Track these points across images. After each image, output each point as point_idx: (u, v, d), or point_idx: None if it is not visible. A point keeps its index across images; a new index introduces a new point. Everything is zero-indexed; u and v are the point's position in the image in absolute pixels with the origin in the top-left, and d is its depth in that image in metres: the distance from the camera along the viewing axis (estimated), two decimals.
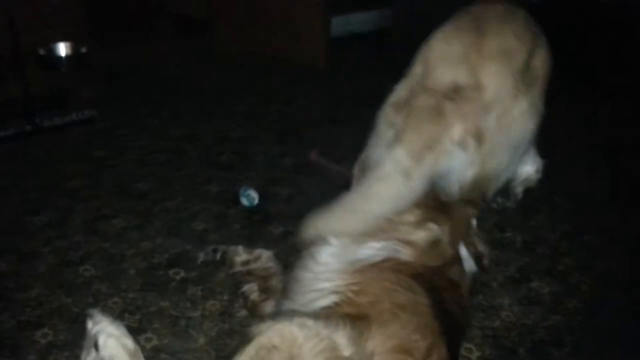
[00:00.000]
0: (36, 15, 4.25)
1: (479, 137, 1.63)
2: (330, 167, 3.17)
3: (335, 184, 2.61)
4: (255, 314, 2.07)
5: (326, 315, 1.40)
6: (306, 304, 1.57)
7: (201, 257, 2.39)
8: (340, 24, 5.37)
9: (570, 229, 2.75)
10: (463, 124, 1.62)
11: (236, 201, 2.85)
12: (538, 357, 2.00)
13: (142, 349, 1.84)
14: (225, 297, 2.23)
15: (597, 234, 2.69)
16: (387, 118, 1.79)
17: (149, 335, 2.03)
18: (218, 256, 2.34)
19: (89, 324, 1.60)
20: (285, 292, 1.80)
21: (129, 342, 1.54)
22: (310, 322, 1.29)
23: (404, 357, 1.32)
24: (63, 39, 4.12)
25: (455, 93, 1.64)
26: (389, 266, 1.60)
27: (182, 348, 1.99)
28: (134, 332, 2.01)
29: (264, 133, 3.72)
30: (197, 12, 5.87)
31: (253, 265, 2.21)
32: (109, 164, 3.33)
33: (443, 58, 1.71)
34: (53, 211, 2.80)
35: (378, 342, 1.31)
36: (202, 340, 2.02)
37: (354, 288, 1.51)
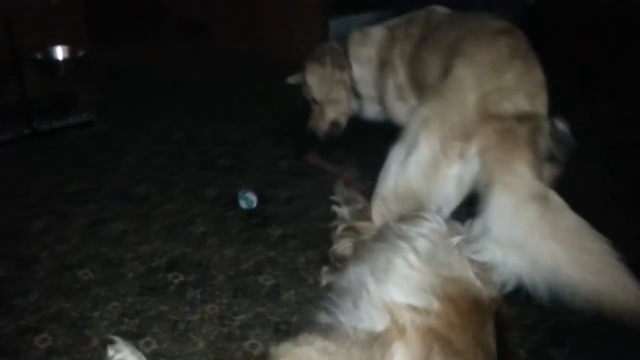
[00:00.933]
0: (34, 18, 4.26)
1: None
2: (327, 168, 3.17)
3: (332, 186, 2.60)
4: (338, 269, 2.00)
5: (373, 338, 1.31)
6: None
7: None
8: (340, 26, 5.36)
9: None
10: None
11: (235, 204, 2.84)
12: (539, 358, 1.99)
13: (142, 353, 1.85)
14: (225, 301, 2.22)
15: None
16: (449, 144, 1.86)
17: (148, 339, 2.02)
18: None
19: (110, 351, 1.60)
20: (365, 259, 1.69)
21: None
22: (332, 348, 1.25)
23: None
24: (62, 42, 4.12)
25: (522, 119, 1.81)
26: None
27: (182, 352, 1.98)
28: (133, 336, 2.02)
29: (263, 135, 3.71)
30: (196, 14, 5.87)
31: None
32: (108, 168, 3.32)
33: (500, 88, 1.87)
34: (51, 216, 2.80)
35: None
36: (201, 344, 2.01)
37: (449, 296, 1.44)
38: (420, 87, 2.33)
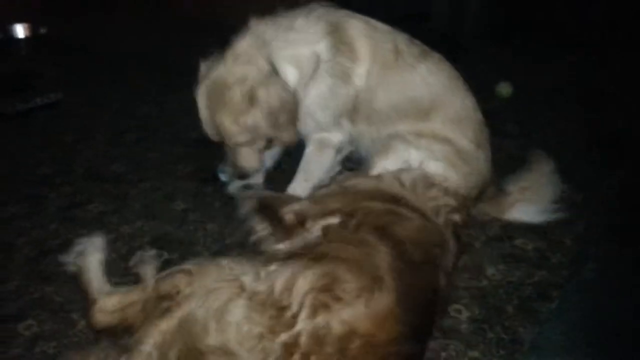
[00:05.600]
0: None
1: None
2: None
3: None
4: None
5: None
6: None
7: None
8: None
9: None
10: None
11: (214, 179, 2.79)
12: (526, 313, 2.02)
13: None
14: None
15: (576, 188, 2.71)
16: None
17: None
18: None
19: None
20: None
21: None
22: (224, 262, 1.56)
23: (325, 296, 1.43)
24: (20, 20, 3.96)
25: None
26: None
27: None
28: None
29: None
30: None
31: None
32: (79, 148, 3.24)
33: None
34: (25, 201, 2.72)
35: (308, 280, 1.45)
36: None
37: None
38: None
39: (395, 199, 1.86)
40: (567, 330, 1.95)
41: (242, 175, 2.39)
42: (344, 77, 2.32)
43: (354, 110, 2.39)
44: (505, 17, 5.09)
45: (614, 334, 1.90)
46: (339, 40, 2.30)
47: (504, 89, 3.86)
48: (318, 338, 1.38)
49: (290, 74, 2.27)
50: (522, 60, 4.70)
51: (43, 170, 2.99)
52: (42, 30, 3.97)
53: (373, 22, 2.40)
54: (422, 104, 2.36)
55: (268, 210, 1.98)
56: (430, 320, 1.66)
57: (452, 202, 1.94)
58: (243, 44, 2.24)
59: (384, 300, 1.45)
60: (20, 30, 3.98)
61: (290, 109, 2.24)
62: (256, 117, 2.19)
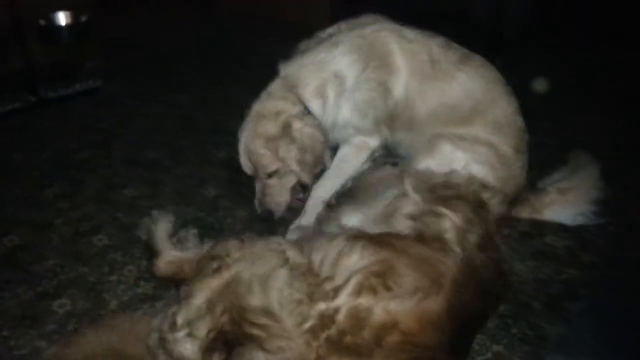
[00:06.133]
0: None
1: None
2: None
3: None
4: None
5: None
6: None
7: None
8: None
9: None
10: None
11: None
12: (553, 310, 2.00)
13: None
14: None
15: (612, 188, 2.65)
16: None
17: (165, 301, 2.04)
18: None
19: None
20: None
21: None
22: (274, 238, 1.73)
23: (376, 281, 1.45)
24: (65, 8, 4.05)
25: None
26: None
27: None
28: (149, 299, 2.04)
29: None
30: None
31: None
32: (117, 134, 3.32)
33: None
34: (64, 183, 2.81)
35: (361, 260, 1.50)
36: None
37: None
38: None
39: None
40: (597, 331, 1.92)
41: (268, 213, 2.42)
42: (381, 89, 2.33)
43: (392, 119, 2.41)
44: (547, 14, 4.98)
45: None
46: (369, 56, 2.32)
47: (542, 85, 3.79)
48: (357, 319, 1.41)
49: (317, 105, 2.33)
50: (562, 57, 4.60)
51: (82, 154, 3.09)
52: (84, 19, 4.05)
53: (404, 31, 2.38)
54: (463, 111, 2.35)
55: None
56: (470, 343, 1.66)
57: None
58: (275, 86, 2.36)
59: (436, 306, 1.46)
60: (62, 18, 4.07)
61: (318, 152, 2.33)
62: (289, 148, 2.27)
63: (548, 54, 4.67)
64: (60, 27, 4.04)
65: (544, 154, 2.92)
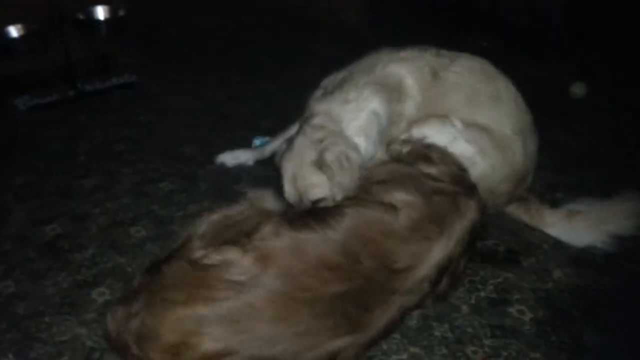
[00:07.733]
0: None
1: None
2: None
3: None
4: None
5: None
6: None
7: None
8: None
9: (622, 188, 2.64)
10: None
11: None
12: (592, 319, 1.97)
13: None
14: None
15: None
16: None
17: None
18: None
19: None
20: None
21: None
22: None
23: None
24: (102, 2, 4.10)
25: None
26: None
27: None
28: None
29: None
30: None
31: None
32: (153, 128, 3.36)
33: None
34: (101, 174, 2.85)
35: None
36: None
37: None
38: None
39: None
40: (638, 342, 1.89)
41: None
42: (398, 118, 2.37)
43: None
44: (585, 14, 4.89)
45: None
46: (389, 90, 2.35)
47: (580, 88, 3.72)
48: None
49: (361, 141, 2.32)
50: (600, 58, 4.52)
51: (119, 147, 3.13)
52: (121, 13, 4.10)
53: (404, 53, 2.46)
54: (460, 108, 2.36)
55: None
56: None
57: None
58: (317, 120, 2.32)
59: None
60: (100, 12, 4.12)
61: (355, 177, 2.24)
62: (343, 175, 2.21)
63: (582, 54, 4.59)
64: (99, 21, 4.09)
65: (577, 155, 2.88)
